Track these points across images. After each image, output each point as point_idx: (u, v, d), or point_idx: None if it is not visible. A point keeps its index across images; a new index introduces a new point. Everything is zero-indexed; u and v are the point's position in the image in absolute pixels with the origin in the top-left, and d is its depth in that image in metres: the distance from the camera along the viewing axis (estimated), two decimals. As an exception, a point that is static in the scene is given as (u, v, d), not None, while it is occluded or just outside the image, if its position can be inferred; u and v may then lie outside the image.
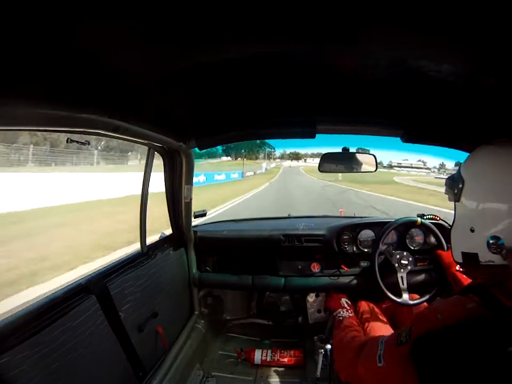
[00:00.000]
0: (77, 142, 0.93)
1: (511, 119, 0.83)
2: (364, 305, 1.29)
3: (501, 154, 0.59)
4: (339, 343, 0.91)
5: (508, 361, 0.44)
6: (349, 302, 1.29)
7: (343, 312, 1.17)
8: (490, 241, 0.56)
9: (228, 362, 1.66)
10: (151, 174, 1.36)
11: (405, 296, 1.34)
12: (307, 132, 1.18)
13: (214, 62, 0.71)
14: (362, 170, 1.35)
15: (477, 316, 0.51)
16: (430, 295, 1.34)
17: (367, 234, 1.62)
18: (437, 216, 1.50)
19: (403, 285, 1.37)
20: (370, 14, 0.45)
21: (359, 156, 1.34)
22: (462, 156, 0.97)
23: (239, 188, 16.33)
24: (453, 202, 0.68)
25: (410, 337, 0.57)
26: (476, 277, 0.64)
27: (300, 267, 1.66)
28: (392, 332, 0.80)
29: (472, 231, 0.61)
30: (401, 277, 1.39)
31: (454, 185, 0.66)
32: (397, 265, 1.42)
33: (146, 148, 1.31)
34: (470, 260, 0.62)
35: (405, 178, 38.30)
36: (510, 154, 0.58)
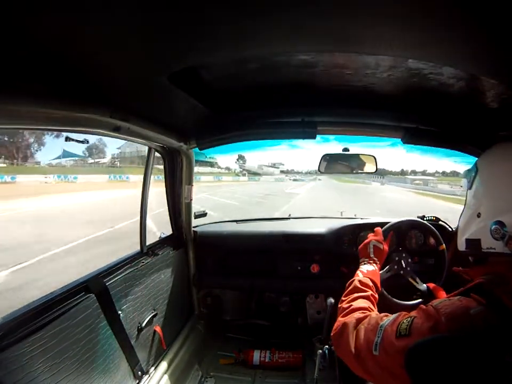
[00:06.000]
0: (76, 140, 0.94)
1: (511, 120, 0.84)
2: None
3: None
4: (339, 308, 0.81)
5: (508, 371, 0.44)
6: (380, 246, 1.06)
7: (365, 264, 0.98)
8: (493, 227, 0.57)
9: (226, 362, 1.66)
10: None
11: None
12: (308, 132, 1.18)
13: (215, 63, 0.72)
14: (362, 171, 1.35)
15: (481, 321, 0.49)
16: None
17: (367, 235, 1.62)
18: (437, 218, 1.49)
19: (420, 284, 1.25)
20: (372, 16, 0.46)
21: (359, 157, 1.34)
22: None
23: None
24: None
25: (410, 332, 0.54)
26: (476, 275, 0.63)
27: (299, 268, 1.66)
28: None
29: (479, 216, 0.62)
30: (412, 278, 1.29)
31: (469, 174, 0.69)
32: (396, 267, 1.41)
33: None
34: (472, 246, 0.63)
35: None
36: None
